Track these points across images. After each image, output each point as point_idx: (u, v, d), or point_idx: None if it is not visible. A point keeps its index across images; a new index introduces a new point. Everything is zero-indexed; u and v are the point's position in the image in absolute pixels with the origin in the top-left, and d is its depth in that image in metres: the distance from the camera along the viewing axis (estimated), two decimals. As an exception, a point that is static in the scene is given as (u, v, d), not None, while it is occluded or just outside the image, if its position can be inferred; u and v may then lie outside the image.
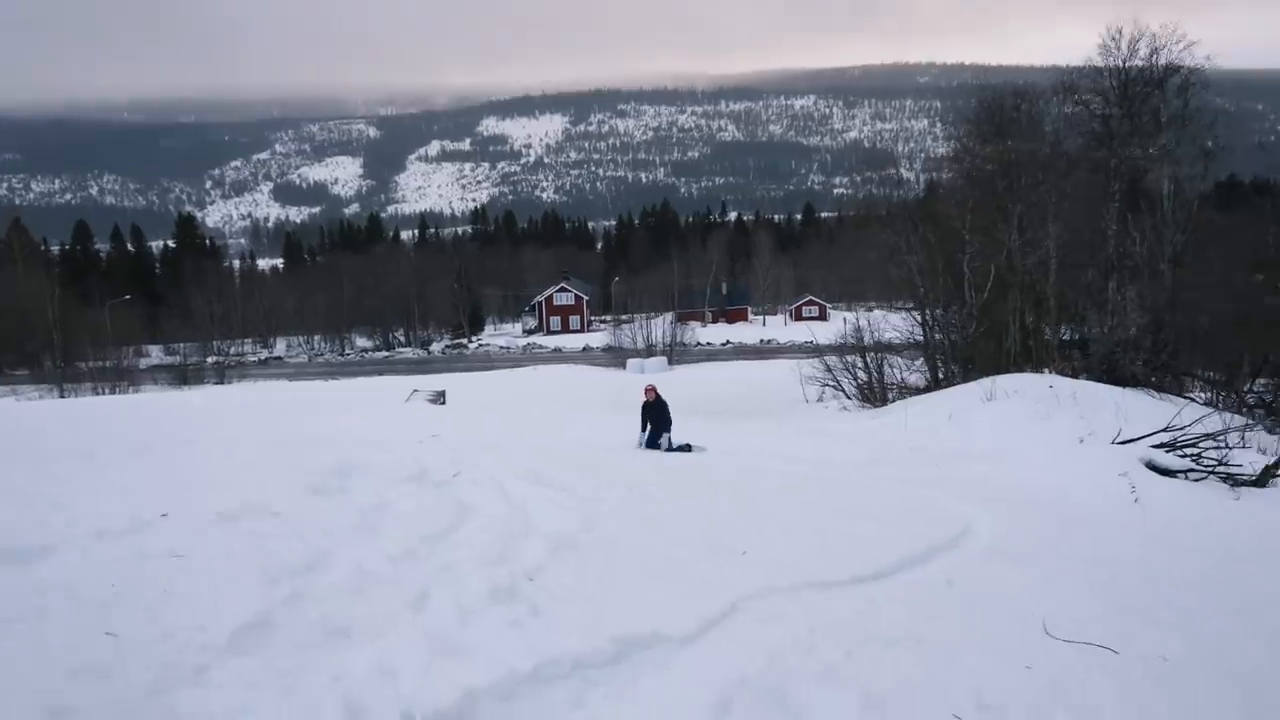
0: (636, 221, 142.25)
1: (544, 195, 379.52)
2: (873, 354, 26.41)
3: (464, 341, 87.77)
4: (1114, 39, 26.46)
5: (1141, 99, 26.32)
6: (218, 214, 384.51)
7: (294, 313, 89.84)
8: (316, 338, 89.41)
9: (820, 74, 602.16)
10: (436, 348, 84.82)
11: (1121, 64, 26.46)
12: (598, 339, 73.44)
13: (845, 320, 31.56)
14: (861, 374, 26.21)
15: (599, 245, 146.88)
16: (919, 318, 26.80)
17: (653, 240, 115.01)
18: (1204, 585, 6.83)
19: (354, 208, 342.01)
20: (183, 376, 57.89)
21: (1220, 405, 20.31)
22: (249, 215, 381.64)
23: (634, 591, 4.80)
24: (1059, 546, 7.82)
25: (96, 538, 4.65)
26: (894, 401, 23.24)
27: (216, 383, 56.23)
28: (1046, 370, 22.49)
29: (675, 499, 7.66)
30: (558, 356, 67.28)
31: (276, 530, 5.09)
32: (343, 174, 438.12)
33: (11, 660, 3.24)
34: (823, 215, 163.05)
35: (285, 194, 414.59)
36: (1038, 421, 15.63)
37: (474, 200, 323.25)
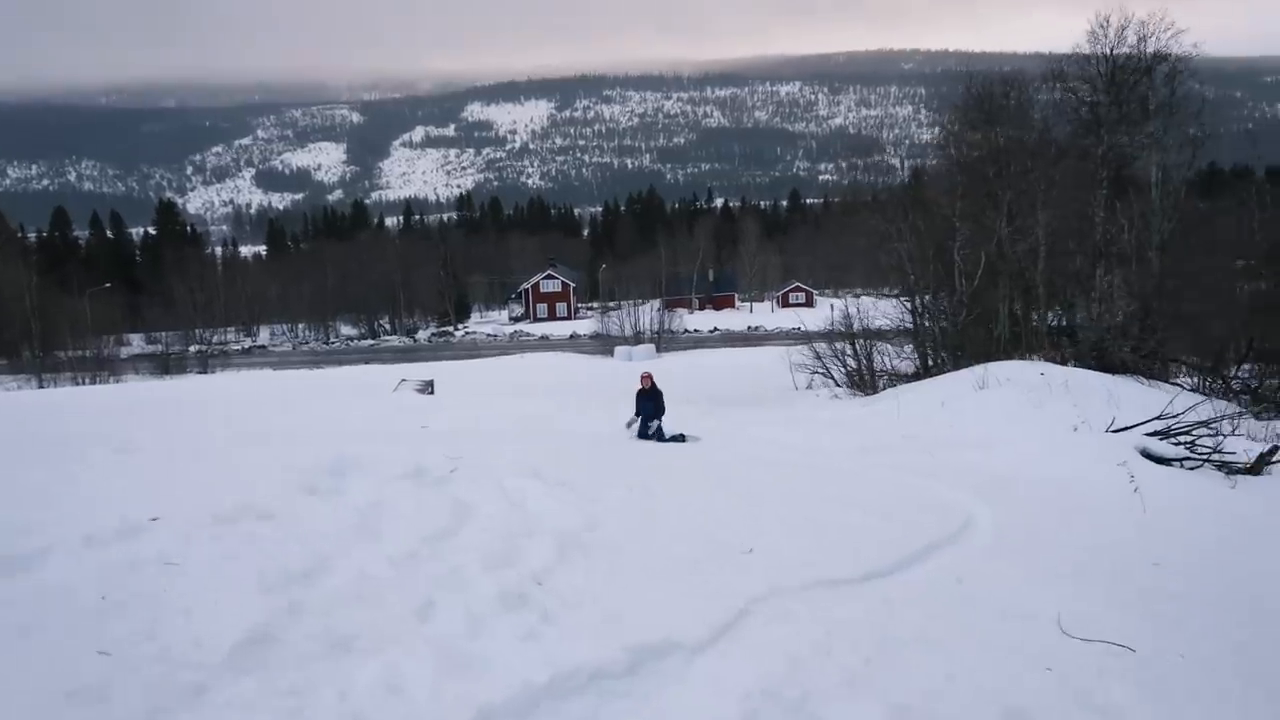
0: (623, 208, 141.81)
1: (530, 181, 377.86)
2: (862, 341, 26.36)
3: (450, 329, 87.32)
4: (1102, 26, 26.45)
5: (1129, 86, 26.33)
6: (199, 200, 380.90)
7: (277, 300, 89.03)
8: (301, 326, 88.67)
9: (805, 60, 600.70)
10: (423, 335, 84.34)
11: (1109, 51, 26.46)
12: (585, 326, 73.26)
13: (833, 307, 31.48)
14: (851, 361, 26.16)
15: (585, 232, 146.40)
16: (909, 305, 26.78)
17: (639, 227, 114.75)
18: (1209, 578, 6.78)
19: (337, 194, 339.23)
20: (165, 366, 57.22)
21: (1207, 391, 20.45)
22: (231, 202, 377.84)
23: (643, 594, 4.68)
24: (1060, 538, 7.76)
25: (85, 544, 4.46)
26: (884, 389, 23.22)
27: (199, 372, 55.63)
28: (1035, 357, 22.53)
29: (675, 494, 7.55)
30: (545, 344, 67.03)
31: (272, 533, 4.91)
32: (326, 160, 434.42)
33: (-1, 684, 3.07)
34: (809, 202, 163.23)
35: (268, 180, 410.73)
36: (1031, 409, 15.60)
37: (459, 186, 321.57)
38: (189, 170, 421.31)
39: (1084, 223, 25.79)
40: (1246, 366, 22.52)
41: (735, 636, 4.27)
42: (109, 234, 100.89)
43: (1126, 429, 12.51)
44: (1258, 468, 10.73)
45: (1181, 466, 11.04)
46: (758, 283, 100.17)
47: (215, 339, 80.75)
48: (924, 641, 4.46)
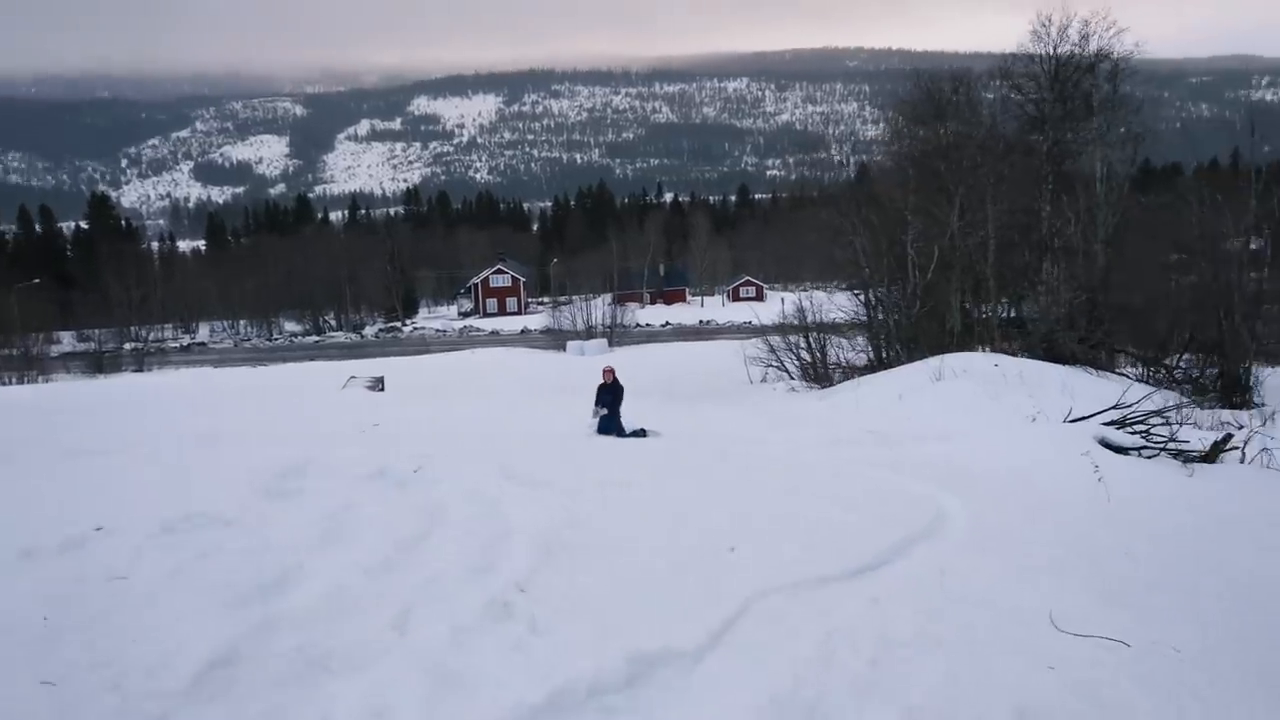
0: (573, 203, 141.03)
1: (478, 176, 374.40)
2: (815, 334, 26.43)
3: (398, 325, 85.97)
4: (1045, 24, 26.95)
5: (1073, 83, 26.86)
6: (134, 194, 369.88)
7: (218, 297, 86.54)
8: (242, 322, 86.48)
9: (752, 57, 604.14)
10: (370, 331, 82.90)
11: (1052, 49, 26.97)
12: (536, 321, 72.58)
13: (783, 300, 31.57)
14: (805, 354, 26.22)
15: (535, 227, 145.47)
16: (862, 298, 26.92)
17: (589, 221, 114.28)
18: (1183, 567, 6.80)
19: (280, 188, 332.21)
20: (98, 364, 55.32)
21: (1150, 381, 20.97)
22: (168, 195, 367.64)
23: (632, 598, 4.46)
24: (1032, 529, 7.74)
25: (22, 559, 4.09)
26: (839, 382, 23.31)
27: (135, 370, 53.91)
28: (982, 348, 22.82)
29: (649, 491, 7.35)
30: (496, 339, 66.37)
31: (232, 542, 4.57)
32: (268, 153, 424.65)
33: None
34: (757, 197, 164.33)
35: (207, 173, 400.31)
36: (988, 401, 15.75)
37: (406, 181, 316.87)
38: (124, 163, 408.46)
39: (1031, 217, 26.24)
40: (1187, 356, 23.12)
41: (733, 641, 4.08)
42: (38, 228, 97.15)
43: (1083, 419, 12.64)
44: (1213, 456, 10.89)
45: (1139, 455, 11.15)
46: (708, 277, 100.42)
47: (152, 336, 78.28)
48: (925, 641, 4.33)
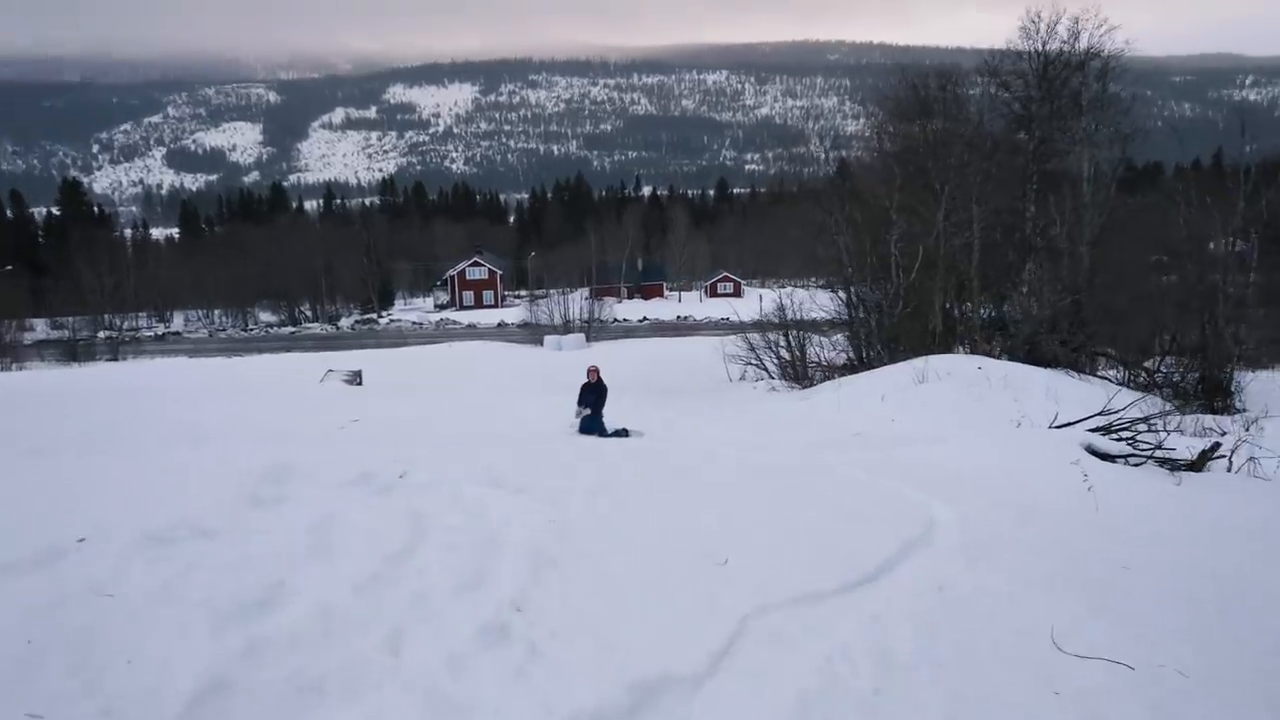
0: (550, 195, 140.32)
1: (454, 166, 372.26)
2: (795, 332, 26.32)
3: (374, 317, 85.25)
4: (1034, 21, 26.90)
5: (1061, 81, 26.84)
6: (106, 180, 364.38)
7: (192, 286, 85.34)
8: (217, 312, 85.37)
9: (731, 49, 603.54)
10: (346, 323, 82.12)
11: (1041, 47, 26.93)
12: (513, 314, 72.20)
13: (762, 297, 31.46)
14: (784, 353, 26.12)
15: (512, 219, 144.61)
16: (844, 296, 26.83)
17: (567, 214, 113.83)
18: (1179, 577, 6.76)
19: (254, 176, 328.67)
20: (72, 353, 54.41)
21: (1130, 385, 21.01)
22: (140, 182, 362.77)
23: (629, 617, 4.34)
24: (1024, 539, 7.69)
25: (1, 573, 3.91)
26: (819, 381, 23.26)
27: (110, 359, 53.05)
28: (962, 349, 22.84)
29: (639, 499, 7.22)
30: (472, 332, 65.92)
31: (218, 555, 4.40)
32: (241, 140, 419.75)
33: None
34: (736, 191, 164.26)
35: (179, 160, 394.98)
36: (972, 404, 15.72)
37: (381, 170, 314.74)
38: (95, 149, 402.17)
39: (1015, 217, 26.26)
40: (1170, 360, 23.13)
41: (734, 665, 3.98)
42: (8, 214, 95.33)
43: (1069, 425, 12.64)
44: (1200, 464, 10.91)
45: (1126, 463, 11.17)
46: (686, 272, 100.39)
47: (126, 325, 77.15)
48: (927, 662, 4.26)
